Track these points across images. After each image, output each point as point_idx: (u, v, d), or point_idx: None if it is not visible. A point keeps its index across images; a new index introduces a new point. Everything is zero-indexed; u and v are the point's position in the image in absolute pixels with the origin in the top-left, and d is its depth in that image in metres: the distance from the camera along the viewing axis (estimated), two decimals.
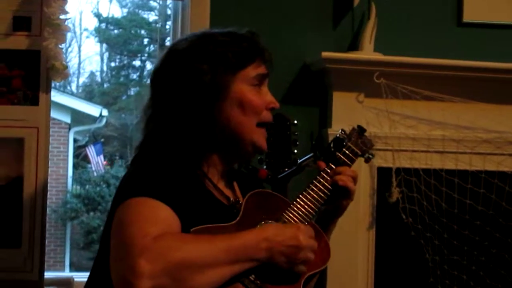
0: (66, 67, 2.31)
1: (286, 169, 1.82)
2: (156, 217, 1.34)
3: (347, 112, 2.70)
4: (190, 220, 1.39)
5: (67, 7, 2.33)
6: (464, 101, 2.75)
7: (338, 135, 1.70)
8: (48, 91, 2.36)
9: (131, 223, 1.32)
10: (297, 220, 1.51)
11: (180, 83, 1.52)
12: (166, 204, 1.36)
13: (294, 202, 1.55)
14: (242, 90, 1.53)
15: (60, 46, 2.30)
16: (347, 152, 1.65)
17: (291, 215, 1.52)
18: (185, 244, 1.31)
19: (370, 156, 1.71)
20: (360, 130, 1.71)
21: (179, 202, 1.39)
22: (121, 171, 10.35)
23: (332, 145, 1.68)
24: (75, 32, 13.23)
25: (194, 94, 1.50)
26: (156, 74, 1.59)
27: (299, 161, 1.83)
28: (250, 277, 1.40)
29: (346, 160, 1.64)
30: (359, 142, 1.69)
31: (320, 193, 1.57)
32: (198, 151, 1.51)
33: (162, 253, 1.27)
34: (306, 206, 1.54)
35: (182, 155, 1.49)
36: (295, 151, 1.84)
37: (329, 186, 1.59)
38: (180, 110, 1.51)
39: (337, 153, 1.65)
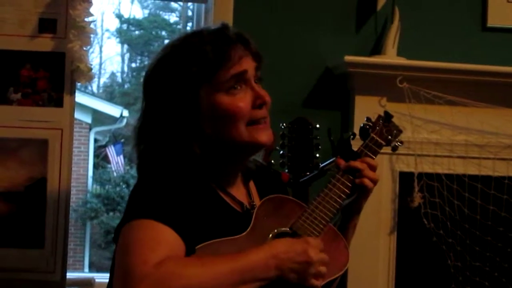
0: (91, 69, 2.32)
1: (308, 173, 1.81)
2: (157, 241, 1.29)
3: (369, 116, 2.69)
4: (201, 234, 1.35)
5: (92, 10, 2.34)
6: (487, 106, 2.73)
7: (362, 124, 1.62)
8: (72, 93, 2.38)
9: (132, 249, 1.27)
10: (312, 225, 1.45)
11: (157, 104, 1.47)
12: (170, 225, 1.31)
13: (310, 206, 1.48)
14: (212, 102, 1.43)
15: (84, 49, 2.32)
16: (370, 144, 1.58)
17: (306, 220, 1.45)
18: (187, 270, 1.26)
19: (398, 144, 1.61)
20: (386, 117, 1.62)
21: (186, 220, 1.34)
22: None
23: (359, 135, 1.61)
24: (96, 33, 13.32)
25: (173, 114, 1.43)
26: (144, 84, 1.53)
27: (321, 165, 1.81)
28: None
29: (368, 153, 1.57)
30: (384, 131, 1.60)
31: (338, 192, 1.50)
32: (200, 165, 1.44)
33: (162, 281, 1.23)
34: (323, 209, 1.47)
35: (186, 170, 1.42)
36: (317, 155, 1.82)
37: (349, 184, 1.52)
38: (167, 128, 1.45)
39: (360, 147, 1.58)
